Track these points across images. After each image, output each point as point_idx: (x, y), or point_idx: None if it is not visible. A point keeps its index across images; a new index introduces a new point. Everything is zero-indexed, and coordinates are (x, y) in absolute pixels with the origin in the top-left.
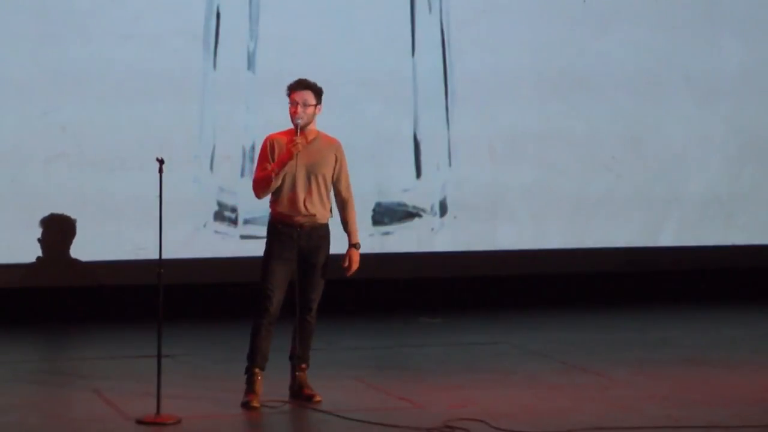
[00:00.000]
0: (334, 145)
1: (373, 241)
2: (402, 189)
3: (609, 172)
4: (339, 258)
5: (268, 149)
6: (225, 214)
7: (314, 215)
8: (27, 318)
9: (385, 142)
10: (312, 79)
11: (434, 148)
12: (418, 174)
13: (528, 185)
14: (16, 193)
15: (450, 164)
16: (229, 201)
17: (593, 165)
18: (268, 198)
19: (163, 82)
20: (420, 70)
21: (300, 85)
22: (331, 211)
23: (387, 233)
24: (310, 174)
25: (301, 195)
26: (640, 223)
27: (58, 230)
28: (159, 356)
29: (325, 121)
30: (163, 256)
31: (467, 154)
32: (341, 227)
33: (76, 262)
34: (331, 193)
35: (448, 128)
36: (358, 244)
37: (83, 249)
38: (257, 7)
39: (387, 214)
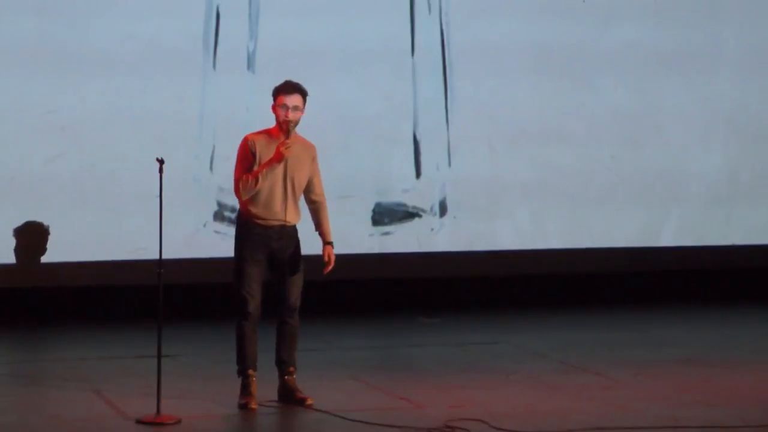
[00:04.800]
0: (310, 150)
1: (373, 241)
2: (402, 189)
3: (609, 172)
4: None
5: (249, 149)
6: (225, 214)
7: (288, 218)
8: (27, 318)
9: (385, 142)
10: (312, 79)
11: (434, 148)
12: (418, 174)
13: (528, 185)
14: (16, 193)
15: (450, 164)
16: (229, 201)
17: (593, 165)
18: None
19: (163, 81)
20: (420, 70)
21: (293, 89)
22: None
23: (387, 233)
24: (289, 178)
25: (278, 198)
26: (640, 223)
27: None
28: (159, 356)
29: (325, 121)
30: (163, 256)
31: (467, 154)
32: (312, 229)
33: (71, 263)
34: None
35: (448, 128)
36: (332, 242)
37: (83, 249)
38: (257, 7)
39: (387, 214)
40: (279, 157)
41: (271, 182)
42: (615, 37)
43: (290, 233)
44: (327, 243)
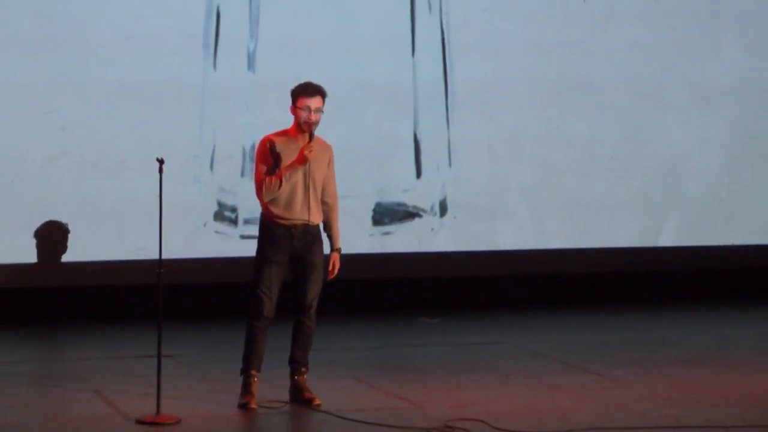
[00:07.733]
0: (327, 150)
1: (373, 241)
2: (402, 189)
3: (609, 173)
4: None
5: (270, 149)
6: (225, 214)
7: (311, 218)
8: (27, 318)
9: (385, 143)
10: (312, 79)
11: (434, 148)
12: (418, 174)
13: (528, 185)
14: (16, 194)
15: (450, 164)
16: (229, 201)
17: (593, 165)
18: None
19: (163, 82)
20: (420, 71)
21: (315, 91)
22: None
23: (387, 233)
24: (309, 178)
25: (300, 199)
26: (640, 223)
27: (55, 230)
28: (159, 356)
29: (325, 121)
30: (163, 256)
31: (467, 154)
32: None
33: (71, 263)
34: None
35: (448, 128)
36: (341, 249)
37: (83, 249)
38: (257, 7)
39: (387, 214)
40: (302, 160)
41: (292, 183)
42: (615, 38)
43: (313, 233)
44: (335, 249)
